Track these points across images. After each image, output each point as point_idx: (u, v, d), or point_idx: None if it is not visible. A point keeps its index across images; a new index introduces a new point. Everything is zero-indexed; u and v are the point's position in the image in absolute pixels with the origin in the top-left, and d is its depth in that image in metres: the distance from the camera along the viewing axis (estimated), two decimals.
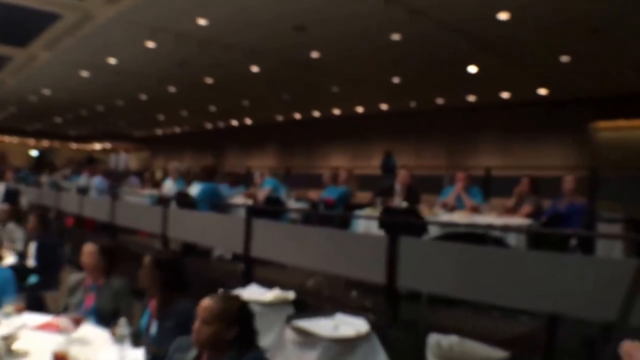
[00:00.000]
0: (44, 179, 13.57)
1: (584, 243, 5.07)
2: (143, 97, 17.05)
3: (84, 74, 13.39)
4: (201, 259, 6.79)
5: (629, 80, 11.09)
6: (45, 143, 33.58)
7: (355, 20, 8.38)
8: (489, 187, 10.58)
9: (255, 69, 11.96)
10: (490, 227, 4.69)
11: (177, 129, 27.20)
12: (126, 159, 36.94)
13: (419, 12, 7.86)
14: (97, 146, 36.32)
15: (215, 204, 6.66)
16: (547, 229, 5.42)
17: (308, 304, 4.19)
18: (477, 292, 3.39)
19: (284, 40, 9.67)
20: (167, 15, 8.77)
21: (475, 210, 6.08)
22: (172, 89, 15.38)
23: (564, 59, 9.88)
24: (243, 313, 2.22)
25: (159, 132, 29.33)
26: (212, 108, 18.53)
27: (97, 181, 9.96)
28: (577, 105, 13.26)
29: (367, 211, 6.12)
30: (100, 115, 21.12)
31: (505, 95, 13.81)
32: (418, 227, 4.70)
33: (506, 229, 4.82)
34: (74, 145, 35.33)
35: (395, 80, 12.40)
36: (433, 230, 4.84)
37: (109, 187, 10.10)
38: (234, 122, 22.23)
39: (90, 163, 16.99)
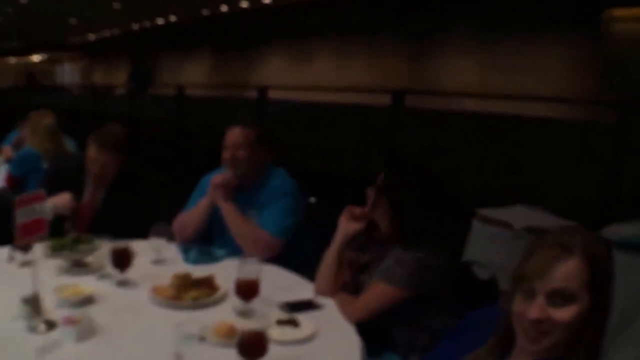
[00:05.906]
0: None
1: None
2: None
3: None
4: None
5: None
6: None
7: None
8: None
9: None
10: None
11: (107, 33, 23.14)
12: (70, 71, 33.07)
13: None
14: (36, 58, 32.51)
15: None
16: None
17: None
18: None
19: None
20: None
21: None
22: None
23: None
24: None
25: (92, 37, 25.29)
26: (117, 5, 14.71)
27: None
28: None
29: None
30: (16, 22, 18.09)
31: None
32: None
33: None
34: (12, 60, 31.64)
35: None
36: None
37: None
38: (160, 21, 18.28)
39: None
